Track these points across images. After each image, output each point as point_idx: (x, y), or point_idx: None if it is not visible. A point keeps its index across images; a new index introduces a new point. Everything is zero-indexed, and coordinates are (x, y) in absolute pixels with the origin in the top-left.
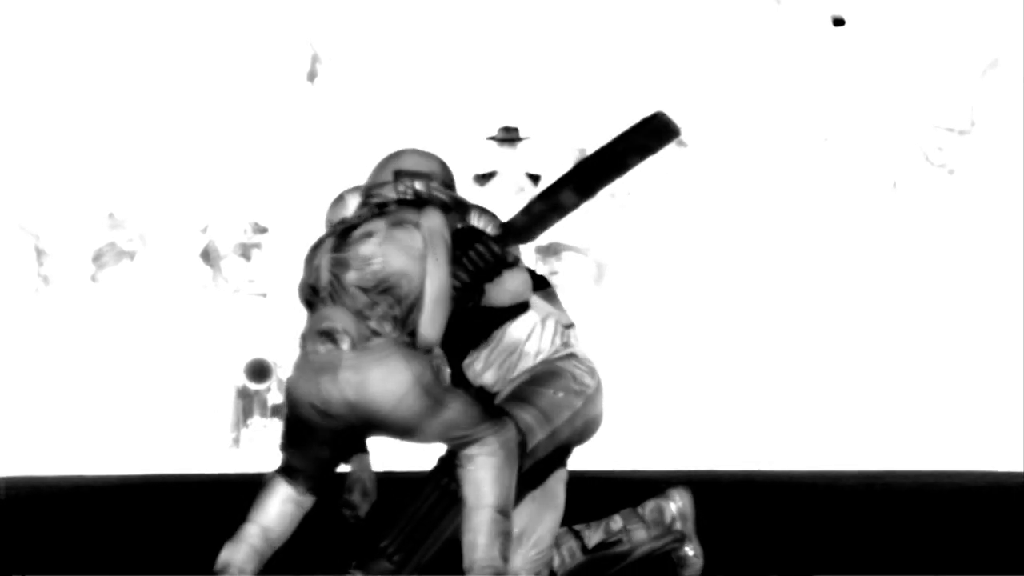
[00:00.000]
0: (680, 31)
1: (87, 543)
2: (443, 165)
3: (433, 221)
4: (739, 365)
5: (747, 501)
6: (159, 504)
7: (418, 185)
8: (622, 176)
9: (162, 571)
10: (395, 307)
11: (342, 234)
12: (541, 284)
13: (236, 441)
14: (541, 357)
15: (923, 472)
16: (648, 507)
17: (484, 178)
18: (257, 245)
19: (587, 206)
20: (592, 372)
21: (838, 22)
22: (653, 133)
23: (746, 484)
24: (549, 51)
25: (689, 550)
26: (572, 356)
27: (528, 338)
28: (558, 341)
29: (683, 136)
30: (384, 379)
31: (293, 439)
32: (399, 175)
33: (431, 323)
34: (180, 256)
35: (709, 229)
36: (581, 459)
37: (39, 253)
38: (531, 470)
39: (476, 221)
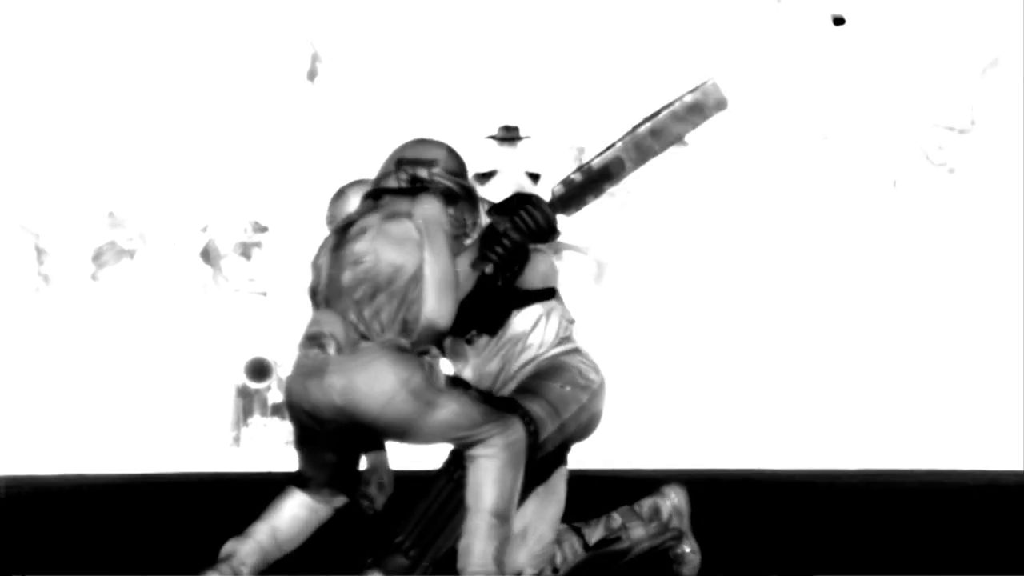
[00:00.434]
0: (680, 31)
1: (87, 543)
2: (449, 152)
3: (427, 208)
4: (739, 365)
5: (747, 500)
6: (159, 504)
7: (420, 172)
8: (671, 145)
9: (162, 571)
10: (392, 301)
11: (342, 231)
12: None
13: (236, 440)
14: (544, 350)
15: (923, 472)
16: (645, 505)
17: (484, 177)
18: (257, 244)
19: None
20: (596, 368)
21: (838, 21)
22: (701, 101)
23: (746, 483)
24: (549, 51)
25: (686, 547)
26: (577, 351)
27: (532, 330)
28: (562, 335)
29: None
30: (370, 383)
31: (299, 441)
32: (400, 164)
33: (437, 307)
34: (180, 255)
35: (709, 228)
36: (580, 457)
37: (39, 252)
38: (538, 465)
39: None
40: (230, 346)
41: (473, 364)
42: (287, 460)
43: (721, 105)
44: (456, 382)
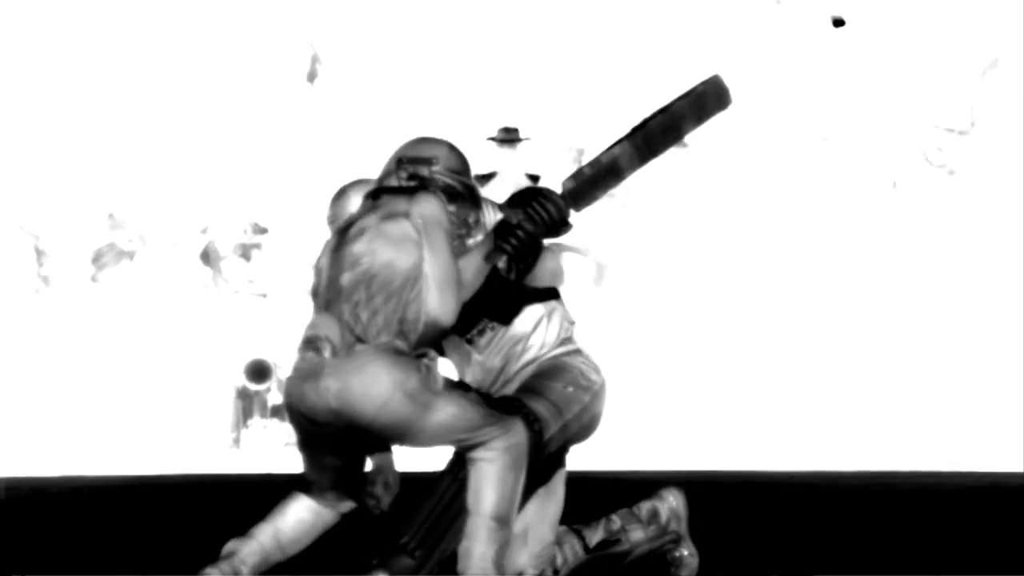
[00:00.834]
0: (680, 31)
1: (87, 543)
2: (450, 149)
3: (425, 207)
4: (738, 365)
5: (746, 501)
6: (159, 504)
7: (420, 170)
8: (678, 139)
9: (162, 571)
10: (390, 302)
11: (343, 233)
12: None
13: (236, 441)
14: (546, 350)
15: (923, 472)
16: (644, 508)
17: (484, 178)
18: (257, 245)
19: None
20: (597, 369)
21: (838, 22)
22: (706, 96)
23: (745, 485)
24: (548, 51)
25: (684, 550)
26: (578, 352)
27: (534, 330)
28: (563, 336)
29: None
30: (364, 386)
31: (301, 444)
32: (401, 162)
33: (440, 304)
34: (180, 256)
35: (709, 229)
36: (579, 459)
37: (39, 253)
38: (540, 465)
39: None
40: (230, 348)
41: (475, 362)
42: (287, 462)
43: (727, 100)
44: (455, 385)
